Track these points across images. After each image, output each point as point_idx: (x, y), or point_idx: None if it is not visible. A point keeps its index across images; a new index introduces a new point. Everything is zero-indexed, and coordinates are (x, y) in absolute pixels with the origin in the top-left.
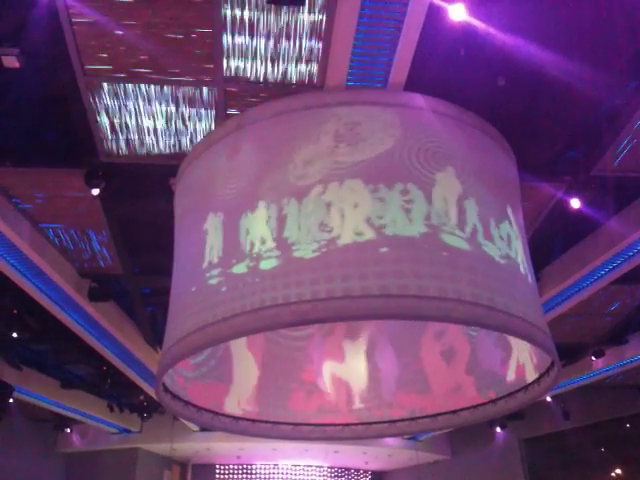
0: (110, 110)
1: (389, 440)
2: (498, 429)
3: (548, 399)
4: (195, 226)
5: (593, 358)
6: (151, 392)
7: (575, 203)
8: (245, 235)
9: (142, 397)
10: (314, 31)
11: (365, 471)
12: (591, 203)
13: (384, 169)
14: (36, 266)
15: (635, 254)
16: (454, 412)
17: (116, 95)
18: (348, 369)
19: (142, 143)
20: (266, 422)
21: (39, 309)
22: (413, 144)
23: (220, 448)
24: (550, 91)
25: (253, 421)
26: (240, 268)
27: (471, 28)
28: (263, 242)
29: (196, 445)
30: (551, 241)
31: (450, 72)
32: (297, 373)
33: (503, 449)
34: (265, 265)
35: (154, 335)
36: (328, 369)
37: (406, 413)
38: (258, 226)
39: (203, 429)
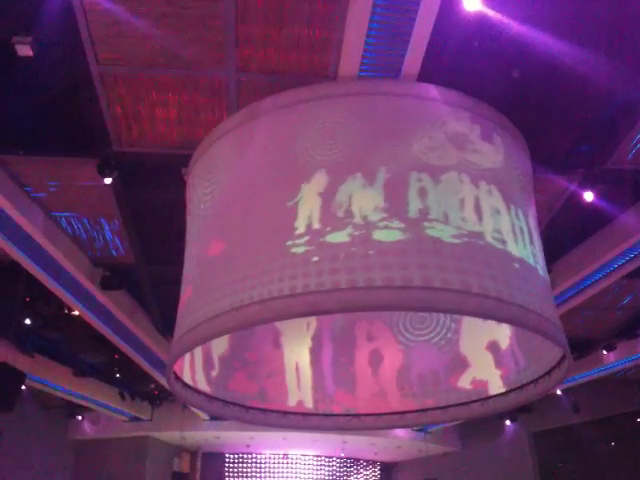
0: (122, 99)
1: (398, 431)
2: (508, 422)
3: (558, 392)
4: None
5: (604, 352)
6: (162, 380)
7: (588, 196)
8: (347, 202)
9: (153, 385)
10: (328, 21)
11: (374, 462)
12: (604, 196)
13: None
14: (49, 255)
15: None
16: (464, 404)
17: (129, 84)
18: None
19: (154, 132)
20: (276, 412)
21: (52, 297)
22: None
23: (230, 437)
24: (564, 83)
25: (263, 410)
26: (338, 237)
27: (485, 18)
28: (377, 210)
29: (206, 434)
30: (564, 234)
31: (464, 63)
32: (243, 352)
33: (512, 442)
34: (382, 236)
35: (165, 324)
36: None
37: (342, 410)
38: (367, 194)
39: (213, 418)
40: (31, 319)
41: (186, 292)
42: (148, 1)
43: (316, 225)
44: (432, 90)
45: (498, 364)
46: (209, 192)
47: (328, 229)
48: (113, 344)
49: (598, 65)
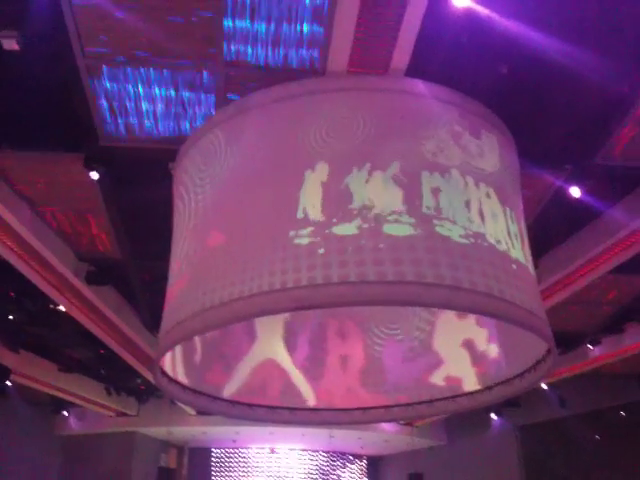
0: (110, 93)
1: (385, 425)
2: (494, 416)
3: (544, 387)
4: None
5: (590, 346)
6: (148, 375)
7: (575, 191)
8: (355, 194)
9: (139, 381)
10: (316, 15)
11: (361, 456)
12: (591, 191)
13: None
14: (35, 249)
15: (634, 243)
16: (451, 398)
17: (116, 78)
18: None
19: (141, 127)
20: (263, 407)
21: (37, 292)
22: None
23: (217, 432)
24: (553, 78)
25: (250, 405)
26: (346, 229)
27: (474, 14)
28: (389, 203)
29: (193, 429)
30: (551, 229)
31: (453, 59)
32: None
33: (499, 436)
34: (392, 230)
35: (152, 319)
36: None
37: (316, 404)
38: (378, 187)
39: (200, 413)
40: (16, 314)
41: (178, 283)
42: None
43: (321, 216)
44: (437, 90)
45: (474, 362)
46: (204, 183)
47: (334, 220)
48: (99, 339)
49: (586, 60)
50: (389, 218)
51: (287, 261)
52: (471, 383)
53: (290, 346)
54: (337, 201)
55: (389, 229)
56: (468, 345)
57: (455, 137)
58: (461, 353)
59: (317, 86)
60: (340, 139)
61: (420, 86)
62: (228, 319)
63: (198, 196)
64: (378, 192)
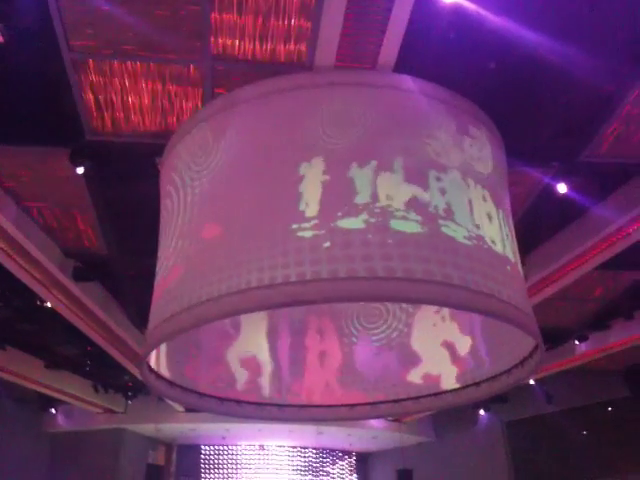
0: (95, 87)
1: (373, 422)
2: (482, 412)
3: (531, 382)
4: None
5: (576, 342)
6: (136, 372)
7: (562, 188)
8: (360, 187)
9: (127, 377)
10: (303, 9)
11: (350, 452)
12: (578, 189)
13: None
14: (20, 245)
15: (620, 240)
16: (437, 394)
17: (102, 72)
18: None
19: (128, 121)
20: (252, 403)
21: (23, 288)
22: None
23: (205, 429)
24: (540, 75)
25: (238, 402)
26: (352, 222)
27: (463, 10)
28: (397, 199)
29: (181, 426)
30: (538, 226)
31: (440, 55)
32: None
33: (486, 432)
34: (400, 226)
35: (139, 316)
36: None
37: (300, 400)
38: (385, 182)
39: (188, 410)
40: (2, 311)
41: (170, 276)
42: None
43: (323, 209)
44: (437, 90)
45: (454, 360)
46: (197, 176)
47: (339, 214)
48: (86, 336)
49: (574, 58)
50: (396, 214)
51: (289, 254)
52: (450, 381)
53: (271, 342)
54: (341, 195)
55: (396, 225)
56: (448, 344)
57: (454, 138)
58: (441, 351)
59: (316, 80)
60: (340, 134)
61: (421, 85)
62: (225, 313)
63: (191, 189)
64: (385, 188)
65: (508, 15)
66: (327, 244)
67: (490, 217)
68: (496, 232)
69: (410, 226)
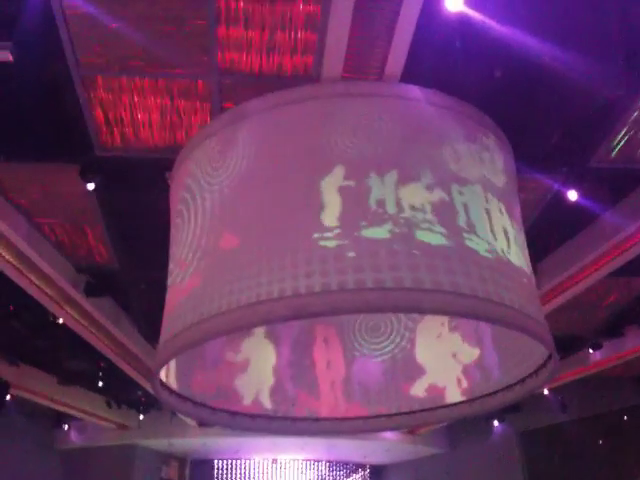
0: (104, 103)
1: (387, 434)
2: (496, 422)
3: (545, 392)
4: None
5: (590, 350)
6: (149, 387)
7: (572, 195)
8: (384, 197)
9: (140, 393)
10: (309, 22)
11: (364, 465)
12: (588, 195)
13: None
14: (32, 262)
15: (632, 246)
16: (452, 405)
17: (110, 88)
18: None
19: (137, 136)
20: (264, 417)
21: (36, 305)
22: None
23: (218, 443)
24: (547, 82)
25: (251, 416)
26: (377, 232)
27: (467, 19)
28: (421, 211)
29: (194, 441)
30: (549, 233)
31: (446, 64)
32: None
33: (501, 442)
34: (425, 237)
35: (151, 330)
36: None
37: (306, 413)
38: (409, 193)
39: (201, 424)
40: (15, 327)
41: (186, 286)
42: (130, 3)
43: (346, 219)
44: (452, 101)
45: (464, 372)
46: (212, 186)
47: (364, 224)
48: (98, 351)
49: (580, 64)
50: (421, 225)
51: (313, 264)
52: (465, 392)
53: (277, 353)
54: (362, 204)
55: (422, 235)
56: (456, 355)
57: (471, 150)
58: (449, 363)
59: (337, 90)
60: (360, 143)
61: (436, 96)
62: (242, 324)
63: (207, 199)
64: (409, 198)
65: (513, 23)
66: (352, 254)
67: (506, 230)
68: (512, 244)
69: (435, 238)
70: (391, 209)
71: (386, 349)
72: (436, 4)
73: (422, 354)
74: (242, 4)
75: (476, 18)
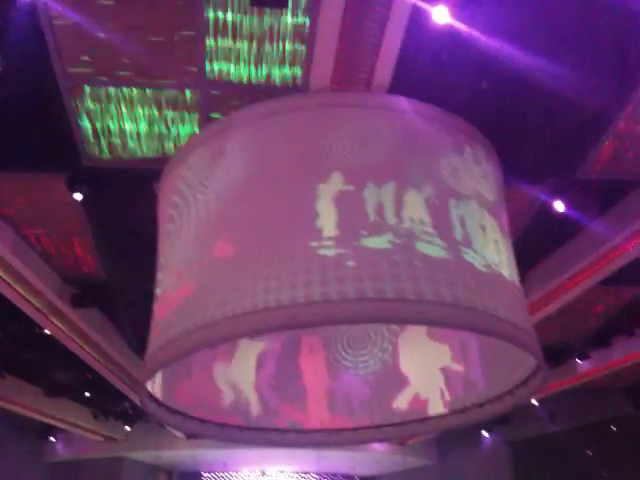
0: (92, 113)
1: (376, 445)
2: (485, 433)
3: (534, 402)
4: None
5: (578, 361)
6: (136, 399)
7: (559, 205)
8: (384, 207)
9: (127, 405)
10: (297, 34)
11: (352, 476)
12: (575, 205)
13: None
14: (18, 272)
15: (619, 256)
16: (442, 416)
17: (98, 98)
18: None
19: (125, 147)
20: (253, 429)
21: (22, 316)
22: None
23: (206, 455)
24: (534, 94)
25: (240, 428)
26: (377, 242)
27: (455, 31)
28: (420, 223)
29: (182, 452)
30: (536, 243)
31: (434, 75)
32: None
33: (490, 453)
34: (425, 249)
35: (137, 341)
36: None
37: (292, 424)
38: (409, 204)
39: (189, 436)
40: (1, 338)
41: (178, 294)
42: (118, 14)
43: (345, 227)
44: (446, 115)
45: (450, 384)
46: (206, 195)
47: (363, 233)
48: (85, 363)
49: (567, 76)
50: (421, 237)
51: (311, 273)
52: (437, 407)
53: (260, 365)
54: (362, 213)
55: (422, 247)
56: (441, 367)
57: (465, 164)
58: (435, 374)
59: (333, 100)
60: (357, 152)
61: (434, 110)
62: (239, 333)
63: (199, 207)
64: (409, 210)
65: (500, 36)
66: (352, 263)
67: (497, 243)
68: (503, 257)
69: (435, 250)
70: (391, 219)
71: (370, 360)
72: (424, 16)
73: (406, 365)
74: (230, 15)
75: (463, 30)
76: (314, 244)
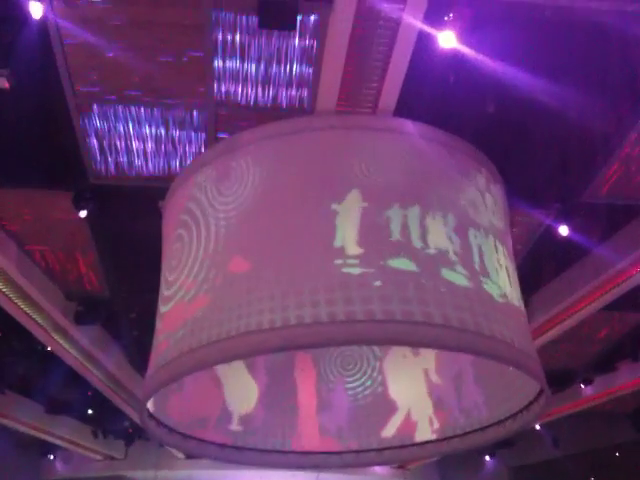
0: (100, 132)
1: (377, 468)
2: (487, 457)
3: (537, 427)
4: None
5: (582, 386)
6: (136, 418)
7: (564, 230)
8: (408, 229)
9: (127, 423)
10: (305, 56)
11: None
12: (580, 230)
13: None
14: (22, 289)
15: (624, 281)
16: (443, 440)
17: (106, 117)
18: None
19: (131, 165)
20: (253, 450)
21: (24, 332)
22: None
23: (205, 475)
24: (540, 117)
25: (239, 449)
26: (403, 264)
27: (461, 55)
28: (446, 250)
29: (181, 472)
30: (541, 267)
31: (440, 99)
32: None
33: (492, 478)
34: (450, 277)
35: (140, 359)
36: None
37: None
38: (433, 230)
39: (188, 456)
40: (3, 354)
41: (190, 308)
42: (127, 33)
43: (369, 247)
44: (463, 144)
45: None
46: (218, 212)
47: (389, 253)
48: (87, 381)
49: (573, 99)
50: (446, 264)
51: (335, 291)
52: (425, 432)
53: (258, 384)
54: (386, 234)
55: (447, 274)
56: (438, 393)
57: (482, 195)
58: (429, 399)
59: (357, 122)
60: (380, 174)
61: (445, 136)
62: (253, 351)
63: (211, 224)
64: (434, 236)
65: (506, 59)
66: (378, 283)
67: (508, 272)
68: (513, 284)
69: (459, 278)
70: (417, 243)
71: (364, 384)
72: (430, 40)
73: (397, 391)
74: (239, 37)
75: (469, 54)
76: (338, 262)
